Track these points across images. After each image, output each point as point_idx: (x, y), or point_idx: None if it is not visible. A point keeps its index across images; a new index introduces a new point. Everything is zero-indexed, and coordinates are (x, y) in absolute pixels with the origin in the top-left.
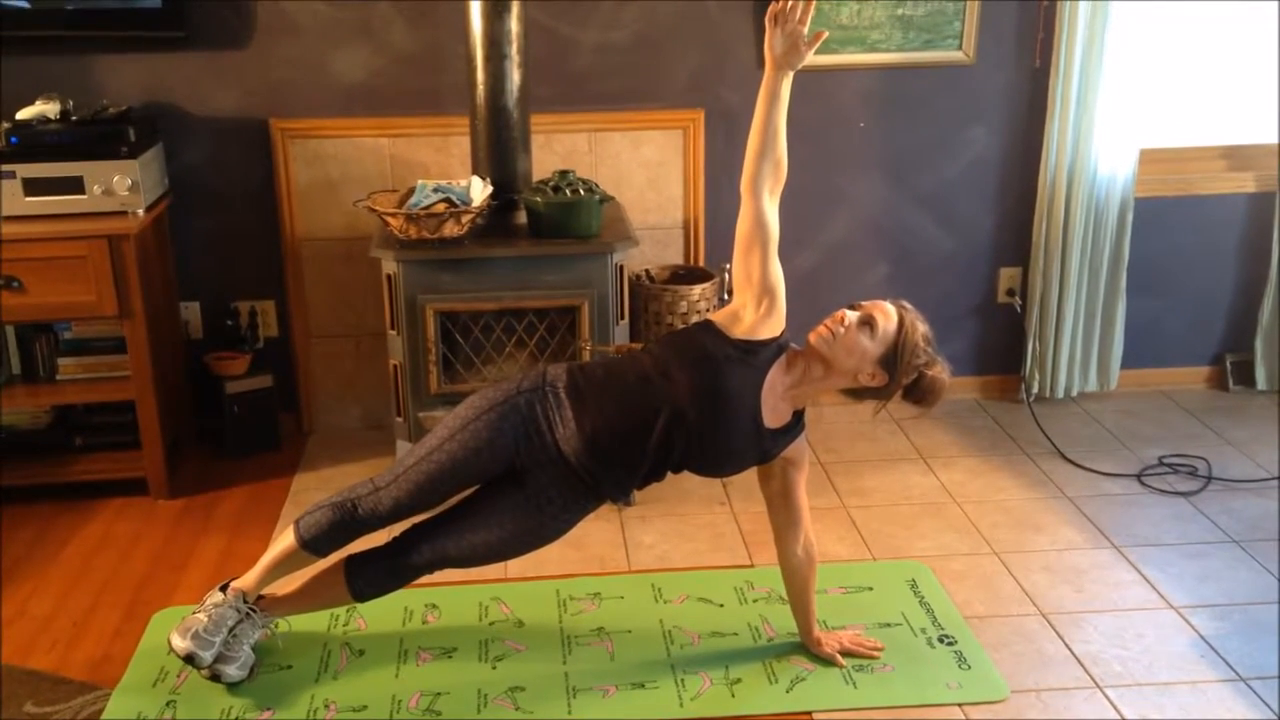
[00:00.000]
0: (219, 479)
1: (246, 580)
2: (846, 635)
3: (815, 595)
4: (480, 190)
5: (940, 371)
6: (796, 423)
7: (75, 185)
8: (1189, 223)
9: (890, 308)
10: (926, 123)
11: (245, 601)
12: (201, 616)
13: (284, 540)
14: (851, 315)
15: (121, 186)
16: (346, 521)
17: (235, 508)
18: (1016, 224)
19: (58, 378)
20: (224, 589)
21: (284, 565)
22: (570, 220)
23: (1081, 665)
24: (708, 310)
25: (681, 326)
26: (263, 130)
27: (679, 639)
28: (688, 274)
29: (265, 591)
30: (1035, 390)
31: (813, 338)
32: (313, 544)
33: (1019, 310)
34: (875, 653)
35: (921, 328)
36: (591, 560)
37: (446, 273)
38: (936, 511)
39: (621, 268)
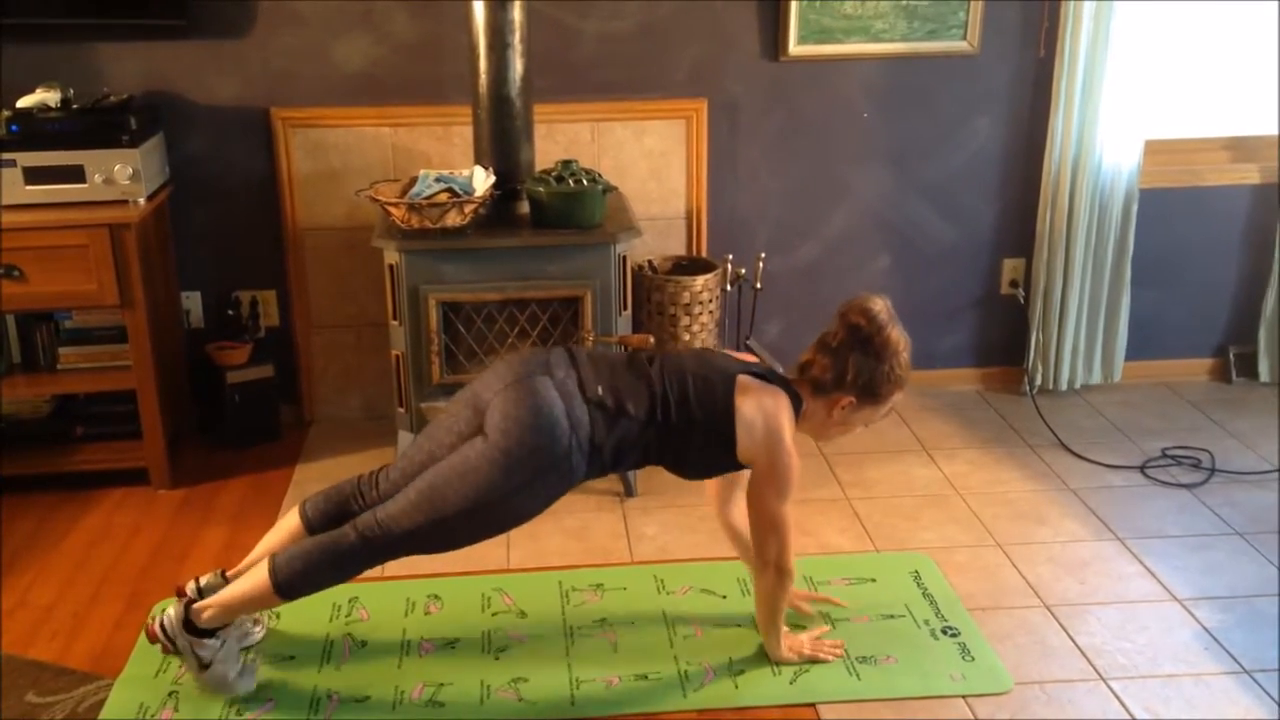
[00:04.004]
0: (220, 469)
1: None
2: (807, 638)
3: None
4: (483, 180)
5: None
6: None
7: (76, 174)
8: (1193, 214)
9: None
10: (930, 113)
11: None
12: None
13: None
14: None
15: (122, 175)
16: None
17: (236, 498)
18: (1020, 215)
19: (58, 367)
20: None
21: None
22: (573, 210)
23: (1085, 657)
24: (710, 302)
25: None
26: (264, 119)
27: (682, 631)
28: (690, 264)
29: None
30: (1038, 382)
31: (818, 439)
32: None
33: (1022, 302)
34: (837, 650)
35: (904, 357)
36: (594, 551)
37: (449, 263)
38: (939, 503)
39: (624, 258)
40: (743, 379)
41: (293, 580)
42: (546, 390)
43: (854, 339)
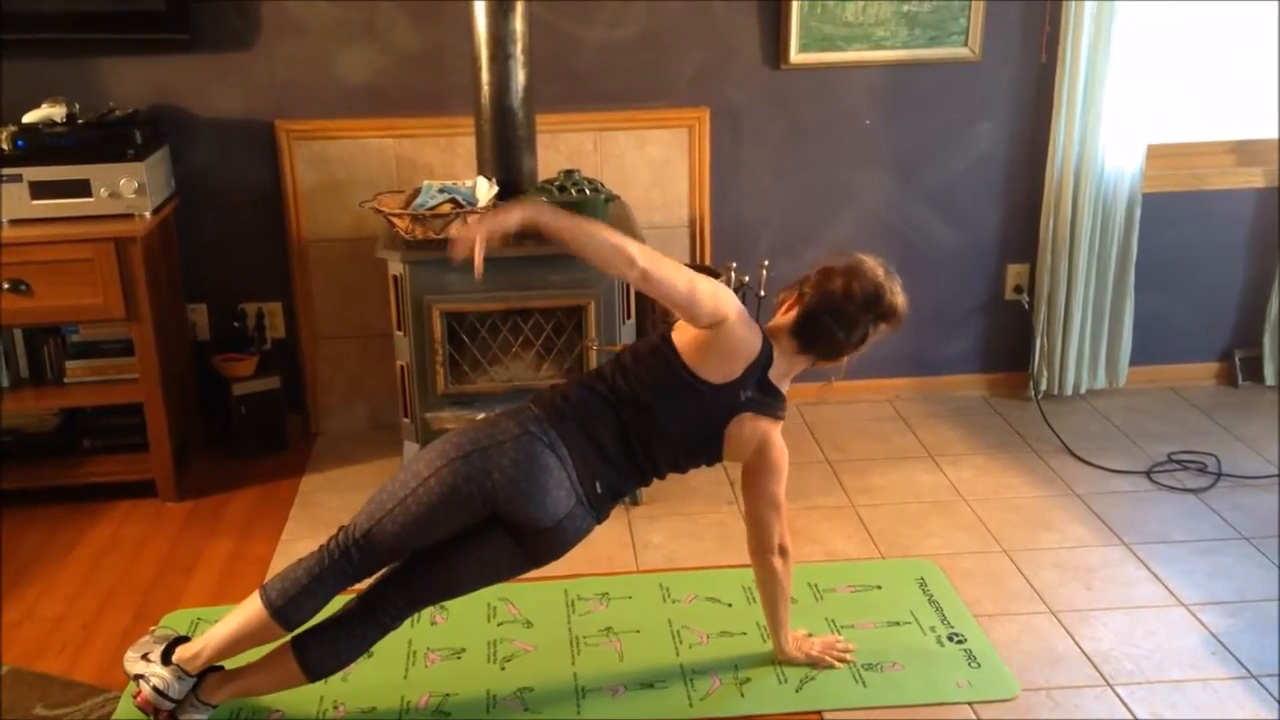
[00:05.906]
0: (227, 480)
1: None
2: (820, 641)
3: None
4: (486, 190)
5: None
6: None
7: (82, 188)
8: (1197, 218)
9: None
10: (932, 119)
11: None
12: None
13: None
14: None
15: (128, 189)
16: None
17: (243, 509)
18: (1024, 220)
19: (65, 380)
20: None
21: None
22: None
23: (1092, 663)
24: None
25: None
26: (268, 132)
27: (687, 639)
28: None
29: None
30: (1043, 387)
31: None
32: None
33: (1027, 307)
34: (847, 656)
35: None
36: (599, 560)
37: (452, 273)
38: (945, 509)
39: None
40: (732, 427)
41: (325, 666)
42: (587, 523)
43: (877, 316)
